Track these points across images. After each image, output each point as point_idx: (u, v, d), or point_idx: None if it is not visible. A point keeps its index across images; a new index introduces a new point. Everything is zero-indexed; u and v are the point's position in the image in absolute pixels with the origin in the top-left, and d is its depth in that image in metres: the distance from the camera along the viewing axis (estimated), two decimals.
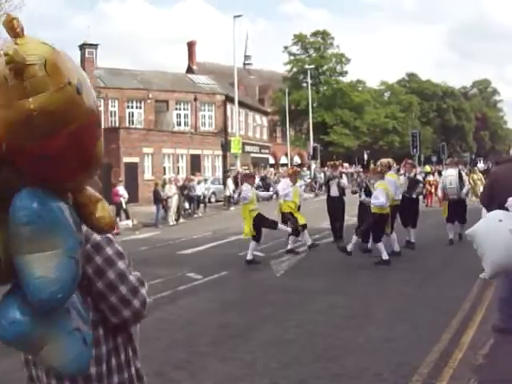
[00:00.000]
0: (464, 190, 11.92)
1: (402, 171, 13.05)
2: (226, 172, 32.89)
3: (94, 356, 1.73)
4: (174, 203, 19.87)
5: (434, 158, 55.13)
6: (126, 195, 19.51)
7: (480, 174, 15.82)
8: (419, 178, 12.77)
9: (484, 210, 5.59)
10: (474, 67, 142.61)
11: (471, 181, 19.14)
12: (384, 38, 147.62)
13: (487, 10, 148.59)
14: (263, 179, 31.94)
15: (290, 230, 11.39)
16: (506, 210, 4.64)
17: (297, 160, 55.50)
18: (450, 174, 12.19)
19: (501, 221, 3.73)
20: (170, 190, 19.99)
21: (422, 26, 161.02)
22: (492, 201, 4.95)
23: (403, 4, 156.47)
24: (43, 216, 1.45)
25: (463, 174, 12.56)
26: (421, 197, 14.49)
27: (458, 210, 11.87)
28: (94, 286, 1.79)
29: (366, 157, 55.64)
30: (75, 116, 1.42)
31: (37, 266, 1.45)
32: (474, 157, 58.37)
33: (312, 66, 51.82)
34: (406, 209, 11.59)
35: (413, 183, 11.83)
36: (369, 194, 11.75)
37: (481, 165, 39.56)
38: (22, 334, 1.51)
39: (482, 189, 13.43)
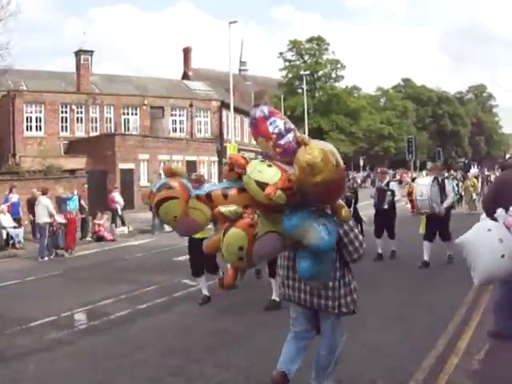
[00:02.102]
0: (445, 204, 9.98)
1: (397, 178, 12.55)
2: (221, 178, 32.87)
3: (332, 277, 3.87)
4: None
5: (430, 164, 55.27)
6: (121, 202, 19.46)
7: (474, 180, 15.59)
8: (393, 184, 11.61)
9: (483, 215, 5.55)
10: (469, 71, 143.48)
11: (463, 188, 18.43)
12: (378, 43, 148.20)
13: (479, 14, 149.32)
14: None
15: None
16: (496, 220, 4.65)
17: None
18: (423, 183, 10.14)
19: (490, 230, 3.77)
20: None
21: (415, 30, 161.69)
22: (495, 205, 4.94)
23: (395, 8, 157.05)
24: (298, 226, 3.17)
25: (447, 182, 10.70)
26: (405, 203, 13.47)
27: (437, 225, 10.06)
28: (341, 241, 3.72)
29: (361, 162, 55.62)
30: (337, 177, 3.06)
31: (308, 238, 3.16)
32: (467, 161, 58.46)
33: (307, 72, 52.01)
34: (380, 220, 11.15)
35: (381, 193, 11.11)
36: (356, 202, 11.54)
37: (474, 170, 39.40)
38: (310, 269, 3.27)
39: (474, 195, 13.32)
